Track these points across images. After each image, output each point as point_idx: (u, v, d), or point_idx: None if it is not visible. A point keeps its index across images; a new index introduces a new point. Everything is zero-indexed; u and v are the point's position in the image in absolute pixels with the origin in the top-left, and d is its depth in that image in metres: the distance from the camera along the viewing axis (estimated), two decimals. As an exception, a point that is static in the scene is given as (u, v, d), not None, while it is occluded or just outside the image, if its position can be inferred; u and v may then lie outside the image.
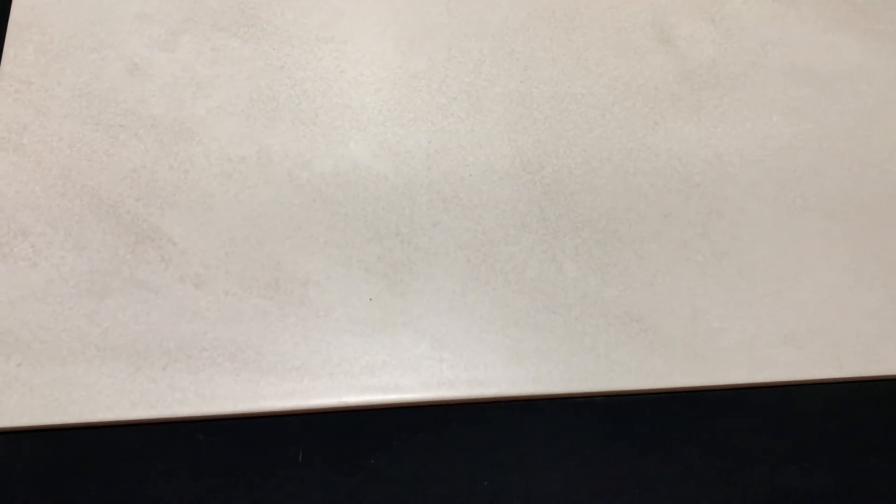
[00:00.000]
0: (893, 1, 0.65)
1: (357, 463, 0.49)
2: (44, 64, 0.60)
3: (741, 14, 0.64)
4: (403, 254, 0.54)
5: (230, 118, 0.58)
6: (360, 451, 0.50)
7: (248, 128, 0.58)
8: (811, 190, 0.57)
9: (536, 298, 0.53)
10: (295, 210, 0.56)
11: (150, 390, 0.50)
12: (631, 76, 0.61)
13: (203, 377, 0.51)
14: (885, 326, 0.53)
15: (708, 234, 0.55)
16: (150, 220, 0.55)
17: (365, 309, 0.53)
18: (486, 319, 0.53)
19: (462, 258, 0.54)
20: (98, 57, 0.60)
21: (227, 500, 0.48)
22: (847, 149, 0.59)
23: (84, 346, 0.51)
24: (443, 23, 0.62)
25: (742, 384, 0.52)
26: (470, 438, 0.50)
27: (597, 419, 0.51)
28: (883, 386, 0.53)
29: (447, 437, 0.50)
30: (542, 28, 0.62)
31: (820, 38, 0.63)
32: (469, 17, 0.62)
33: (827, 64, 0.62)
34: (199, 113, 0.58)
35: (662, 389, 0.51)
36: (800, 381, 0.52)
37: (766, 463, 0.50)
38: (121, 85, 0.59)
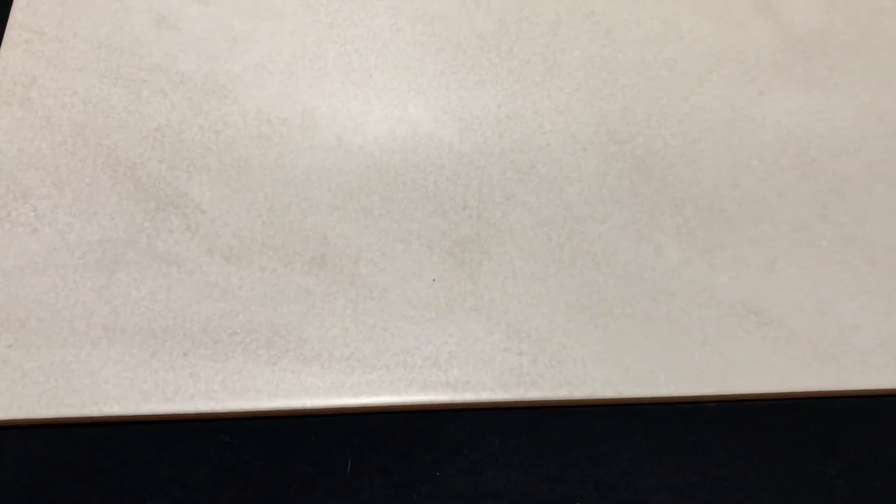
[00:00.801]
0: None
1: (418, 475, 0.40)
2: (59, 13, 0.52)
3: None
4: (472, 229, 0.46)
5: (270, 77, 0.51)
6: (423, 461, 0.41)
7: (290, 87, 0.50)
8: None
9: (633, 284, 0.44)
10: (345, 178, 0.47)
11: (168, 380, 0.41)
12: (728, 43, 0.53)
13: (232, 366, 0.41)
14: None
15: (829, 216, 0.47)
16: (175, 184, 0.47)
17: (427, 291, 0.44)
18: (573, 307, 0.44)
19: (542, 236, 0.46)
20: (121, 7, 0.52)
21: (259, 515, 0.39)
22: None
23: (90, 325, 0.42)
24: (513, -19, 0.55)
25: (881, 390, 0.43)
26: (557, 448, 0.41)
27: (710, 428, 0.42)
28: None
29: (529, 446, 0.41)
30: (623, -9, 0.55)
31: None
32: (543, -24, 0.55)
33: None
34: (235, 70, 0.51)
35: (787, 394, 0.42)
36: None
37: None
38: (146, 37, 0.51)
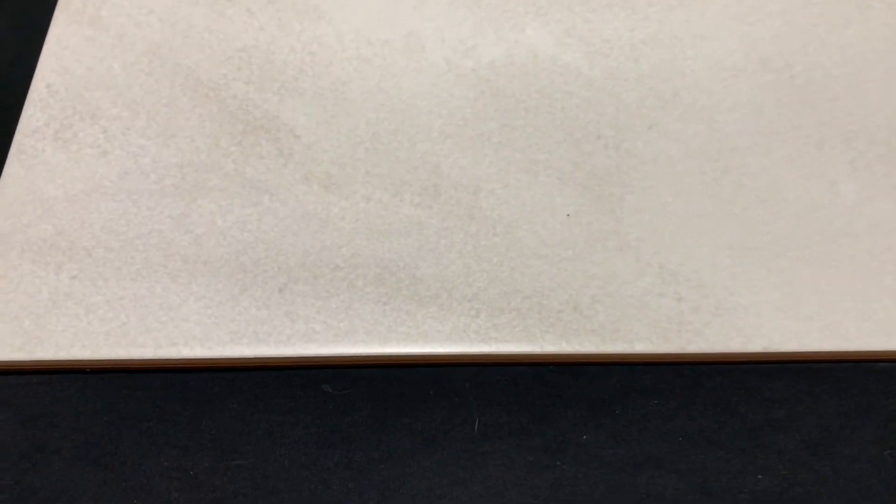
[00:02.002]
0: None
1: (560, 439, 0.33)
2: (134, -69, 0.46)
3: None
4: (610, 161, 0.39)
5: (369, -2, 0.45)
6: (565, 422, 0.33)
7: (391, 7, 0.44)
8: None
9: (807, 224, 0.37)
10: (457, 104, 0.41)
11: (260, 319, 0.34)
12: (887, -30, 0.46)
13: (336, 305, 0.35)
14: None
15: None
16: (265, 107, 0.40)
17: (561, 228, 0.37)
18: (737, 248, 0.36)
19: (693, 169, 0.39)
20: (203, -75, 0.47)
21: (364, 479, 0.31)
22: None
23: (167, 256, 0.36)
24: None
25: None
26: (724, 411, 0.33)
27: (915, 393, 0.34)
28: None
29: (695, 406, 0.34)
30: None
31: None
32: None
33: None
34: (329, -10, 0.45)
35: None
36: None
37: None
38: (230, -43, 0.46)
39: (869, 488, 0.32)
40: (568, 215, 0.38)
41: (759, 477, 0.32)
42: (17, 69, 0.43)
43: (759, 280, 0.36)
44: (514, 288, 0.36)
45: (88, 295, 0.35)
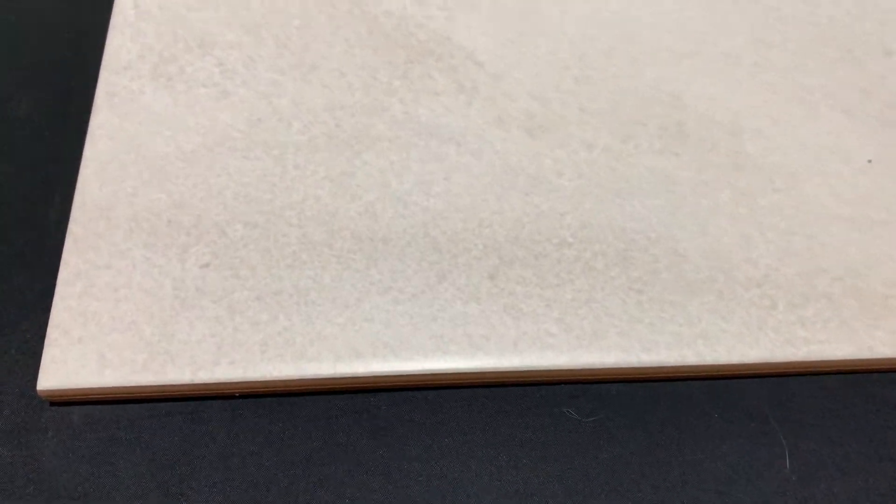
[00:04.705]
0: None
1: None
2: None
3: None
4: (913, 85, 0.28)
5: None
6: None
7: None
8: None
9: None
10: (687, 14, 0.30)
11: (469, 317, 0.25)
12: None
13: (571, 296, 0.25)
14: None
15: None
16: (431, 25, 0.30)
17: (864, 178, 0.27)
18: None
19: None
20: None
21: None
22: None
23: (331, 233, 0.26)
24: None
25: None
26: None
27: None
28: None
29: None
30: None
31: None
32: None
33: None
34: None
35: None
36: None
37: None
38: None
39: None
40: (869, 161, 0.27)
41: None
42: (95, -14, 0.32)
43: None
44: (818, 265, 0.25)
45: (230, 290, 0.25)
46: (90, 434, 0.24)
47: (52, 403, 0.24)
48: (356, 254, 0.26)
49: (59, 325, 0.24)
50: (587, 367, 0.24)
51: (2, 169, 0.28)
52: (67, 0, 0.33)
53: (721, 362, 0.24)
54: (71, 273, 0.25)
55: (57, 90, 0.30)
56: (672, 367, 0.24)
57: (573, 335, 0.24)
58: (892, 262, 0.25)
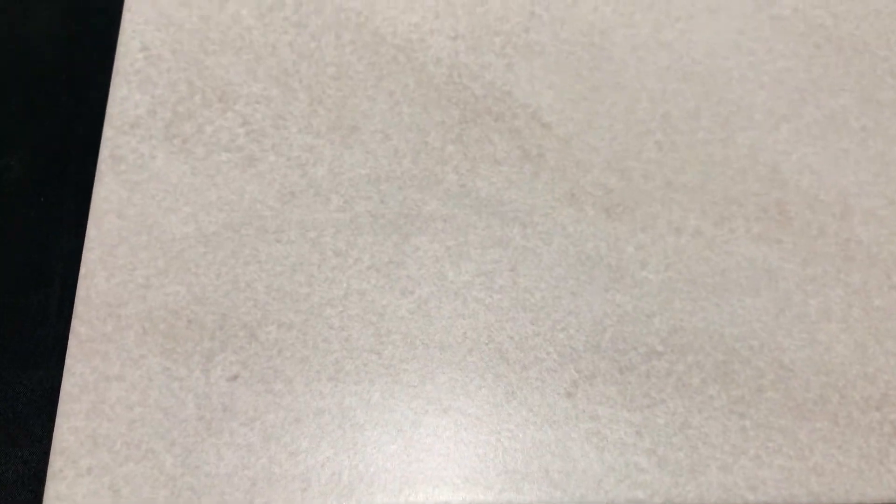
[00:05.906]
0: None
1: None
2: None
3: None
4: None
5: None
6: None
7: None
8: None
9: None
10: (784, 64, 0.26)
11: (552, 447, 0.21)
12: None
13: (664, 420, 0.21)
14: None
15: None
16: (487, 76, 0.26)
17: None
18: None
19: None
20: None
21: None
22: None
23: (379, 337, 0.22)
24: None
25: None
26: None
27: None
28: None
29: None
30: None
31: None
32: None
33: None
34: None
35: None
36: None
37: None
38: None
39: None
40: None
41: None
42: (96, 19, 0.28)
43: None
44: (948, 383, 0.22)
45: (263, 409, 0.21)
46: (103, 592, 0.20)
47: (58, 551, 0.21)
48: (408, 363, 0.22)
49: (63, 450, 0.21)
50: (683, 508, 0.20)
51: (-8, 250, 0.24)
52: (64, 38, 0.29)
53: (839, 503, 0.21)
54: (76, 385, 0.21)
55: (53, 149, 0.26)
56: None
57: (667, 471, 0.21)
58: None
